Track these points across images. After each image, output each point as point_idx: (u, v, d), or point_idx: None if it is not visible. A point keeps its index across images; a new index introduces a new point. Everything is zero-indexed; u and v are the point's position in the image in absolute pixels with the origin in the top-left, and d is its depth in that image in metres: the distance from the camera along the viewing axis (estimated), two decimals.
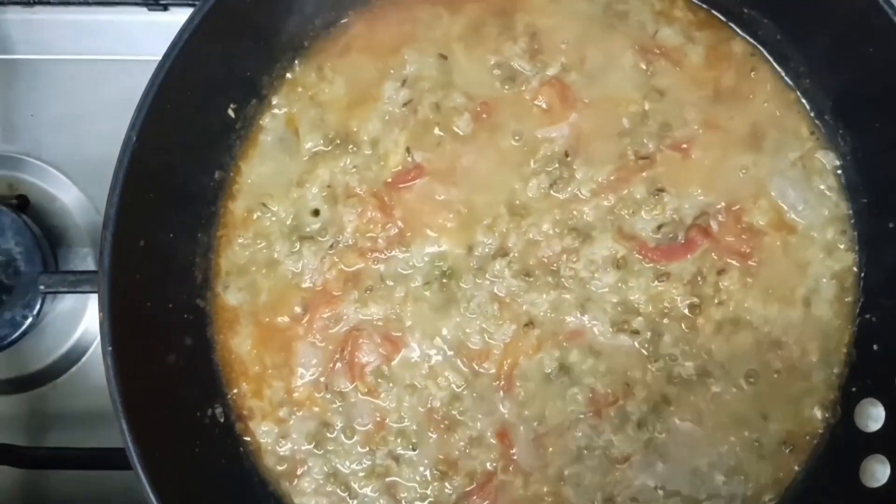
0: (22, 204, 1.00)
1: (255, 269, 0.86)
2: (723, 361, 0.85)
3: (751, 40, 0.88)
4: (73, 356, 1.00)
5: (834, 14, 0.79)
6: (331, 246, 0.86)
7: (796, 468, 0.85)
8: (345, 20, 0.88)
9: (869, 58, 0.79)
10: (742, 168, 0.86)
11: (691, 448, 0.84)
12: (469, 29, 0.87)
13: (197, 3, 0.75)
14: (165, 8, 0.99)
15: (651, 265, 0.85)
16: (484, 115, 0.86)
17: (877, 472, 0.78)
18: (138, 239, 0.76)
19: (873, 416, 0.81)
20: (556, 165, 0.86)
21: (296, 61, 0.88)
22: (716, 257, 0.85)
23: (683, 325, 0.85)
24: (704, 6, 0.88)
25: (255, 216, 0.87)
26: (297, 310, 0.85)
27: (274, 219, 0.86)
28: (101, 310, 0.71)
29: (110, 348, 0.71)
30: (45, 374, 0.99)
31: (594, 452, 0.84)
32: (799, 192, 0.86)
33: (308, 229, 0.86)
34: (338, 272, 0.86)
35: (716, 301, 0.85)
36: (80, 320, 0.99)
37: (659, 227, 0.86)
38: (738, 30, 0.88)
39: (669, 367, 0.85)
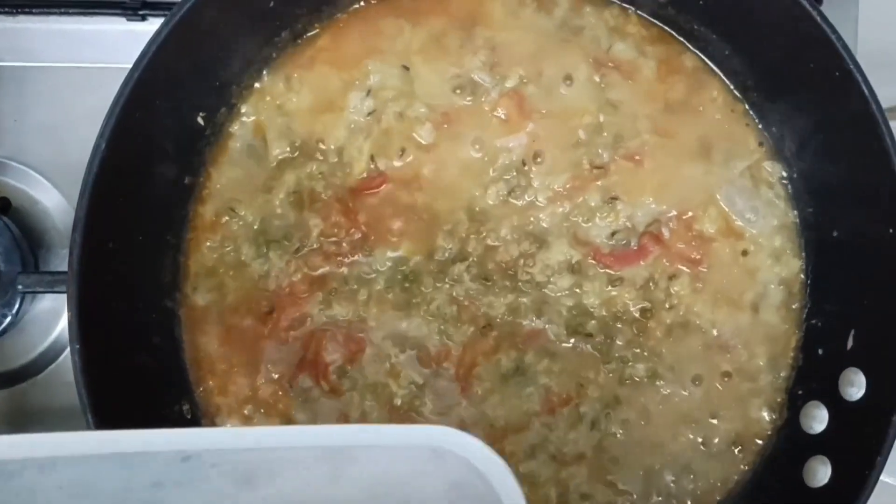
0: (4, 206, 1.03)
1: (224, 271, 0.89)
2: (672, 364, 0.87)
3: (700, 55, 0.91)
4: (52, 354, 1.02)
5: (777, 32, 0.82)
6: (297, 250, 0.89)
7: (744, 468, 0.88)
8: (312, 33, 0.91)
9: (810, 73, 0.82)
10: (692, 178, 0.89)
11: (642, 448, 0.87)
12: (430, 41, 0.90)
13: None
14: (143, 18, 1.02)
15: (605, 270, 0.88)
16: (445, 125, 0.89)
17: (818, 472, 0.81)
18: (107, 241, 0.78)
19: (817, 418, 0.84)
20: (514, 174, 0.89)
21: (264, 72, 0.91)
22: (667, 263, 0.88)
23: (635, 329, 0.88)
24: (657, 23, 0.91)
25: (223, 220, 0.89)
26: (264, 310, 0.88)
27: (242, 223, 0.89)
28: (69, 309, 0.74)
29: (78, 346, 0.74)
30: (25, 371, 1.02)
31: (548, 451, 0.87)
32: (747, 201, 0.89)
33: (275, 233, 0.89)
34: (303, 275, 0.89)
35: (667, 306, 0.88)
36: (59, 319, 1.02)
37: (613, 234, 0.89)
38: (689, 45, 0.91)
39: (621, 368, 0.87)
